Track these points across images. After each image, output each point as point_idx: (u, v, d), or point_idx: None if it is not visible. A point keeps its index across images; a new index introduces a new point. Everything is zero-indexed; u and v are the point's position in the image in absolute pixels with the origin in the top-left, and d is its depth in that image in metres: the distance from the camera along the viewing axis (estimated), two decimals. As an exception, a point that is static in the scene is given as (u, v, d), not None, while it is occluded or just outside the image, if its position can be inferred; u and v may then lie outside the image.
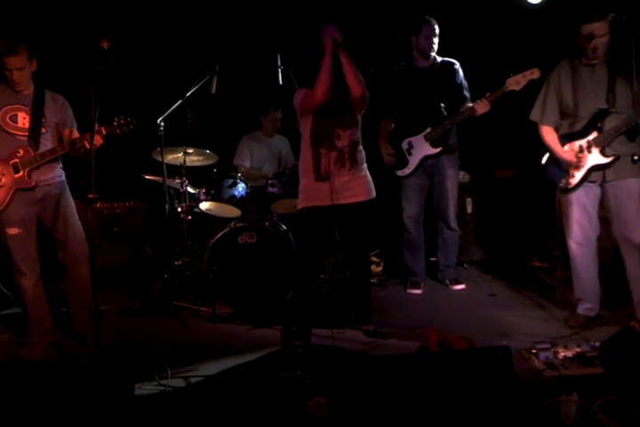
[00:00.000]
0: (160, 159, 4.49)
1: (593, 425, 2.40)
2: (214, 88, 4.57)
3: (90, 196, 2.97)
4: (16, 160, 3.44)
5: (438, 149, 4.49)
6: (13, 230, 3.49)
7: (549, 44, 4.81)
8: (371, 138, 3.74)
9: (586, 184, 3.62)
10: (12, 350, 3.59)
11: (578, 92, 3.60)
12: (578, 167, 3.59)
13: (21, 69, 3.42)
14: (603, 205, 3.68)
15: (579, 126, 3.62)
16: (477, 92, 4.36)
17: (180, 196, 4.70)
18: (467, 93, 4.60)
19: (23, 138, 3.49)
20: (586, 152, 3.57)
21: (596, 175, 3.59)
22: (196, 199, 4.70)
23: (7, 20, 4.77)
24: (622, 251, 3.66)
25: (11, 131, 3.48)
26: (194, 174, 4.79)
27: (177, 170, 4.69)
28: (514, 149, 5.65)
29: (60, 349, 3.63)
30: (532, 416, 2.42)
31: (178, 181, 4.67)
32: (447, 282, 4.84)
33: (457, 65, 4.63)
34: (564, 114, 3.70)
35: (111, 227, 5.11)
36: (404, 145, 4.56)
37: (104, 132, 3.41)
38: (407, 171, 4.59)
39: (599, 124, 3.54)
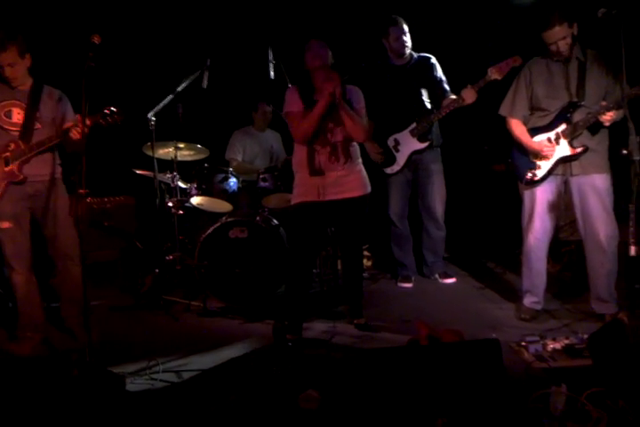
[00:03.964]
0: (151, 154, 4.47)
1: (581, 416, 2.42)
2: (206, 83, 4.56)
3: (80, 191, 2.96)
4: (7, 154, 3.45)
5: (426, 144, 4.49)
6: (4, 224, 3.49)
7: (526, 36, 4.82)
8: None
9: (551, 178, 3.63)
10: (4, 345, 3.58)
11: (549, 88, 3.60)
12: (546, 158, 3.60)
13: (12, 65, 3.41)
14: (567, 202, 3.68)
15: (547, 120, 3.62)
16: (456, 86, 4.35)
17: (171, 190, 4.69)
18: (446, 86, 4.58)
19: (16, 133, 3.48)
20: (554, 143, 3.58)
21: (562, 168, 3.61)
22: (187, 194, 4.69)
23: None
24: (586, 248, 3.67)
25: (5, 126, 3.48)
26: (185, 169, 4.78)
27: (168, 164, 4.67)
28: (505, 143, 5.65)
29: (51, 344, 3.62)
30: (521, 408, 2.45)
31: (169, 175, 4.65)
32: (437, 276, 4.85)
33: (433, 59, 4.62)
34: (533, 109, 3.70)
35: (101, 222, 5.09)
36: (390, 142, 4.55)
37: (88, 123, 3.33)
38: (396, 168, 4.57)
39: (568, 116, 3.54)
